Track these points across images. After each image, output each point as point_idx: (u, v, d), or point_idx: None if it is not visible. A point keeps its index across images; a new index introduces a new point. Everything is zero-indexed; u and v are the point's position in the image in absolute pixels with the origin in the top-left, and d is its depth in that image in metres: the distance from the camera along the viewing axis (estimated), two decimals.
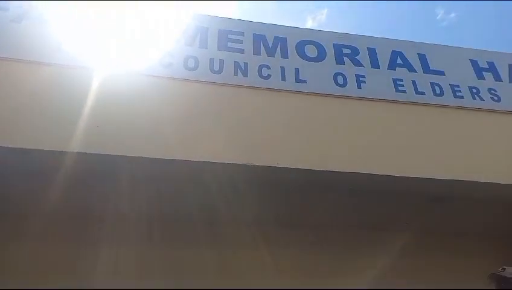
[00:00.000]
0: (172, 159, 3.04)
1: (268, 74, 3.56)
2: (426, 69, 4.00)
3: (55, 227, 3.34)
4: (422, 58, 4.03)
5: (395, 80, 3.86)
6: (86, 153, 2.89)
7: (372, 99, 3.72)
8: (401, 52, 4.03)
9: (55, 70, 3.21)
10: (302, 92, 3.56)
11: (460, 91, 3.91)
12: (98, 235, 3.44)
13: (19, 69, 3.16)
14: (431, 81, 3.91)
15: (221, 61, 3.52)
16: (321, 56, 3.81)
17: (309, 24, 12.26)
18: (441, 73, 4.01)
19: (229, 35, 3.70)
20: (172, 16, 3.78)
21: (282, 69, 3.61)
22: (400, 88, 3.83)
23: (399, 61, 4.00)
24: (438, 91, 3.87)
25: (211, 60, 3.51)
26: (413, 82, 3.89)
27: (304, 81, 3.62)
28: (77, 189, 3.21)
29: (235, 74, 3.50)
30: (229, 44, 3.66)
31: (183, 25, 3.66)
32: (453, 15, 12.14)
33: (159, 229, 3.48)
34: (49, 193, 3.07)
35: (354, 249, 3.95)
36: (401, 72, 3.93)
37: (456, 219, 4.05)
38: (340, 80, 3.73)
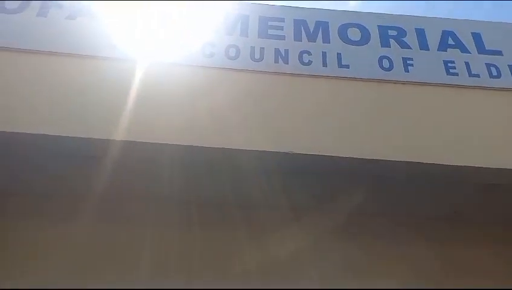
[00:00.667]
0: (214, 148, 3.11)
1: (309, 60, 3.50)
2: (481, 49, 3.73)
3: (104, 208, 3.55)
4: (477, 37, 3.76)
5: (446, 62, 3.65)
6: (131, 141, 3.03)
7: (420, 83, 3.55)
8: (452, 31, 3.78)
9: (104, 64, 3.37)
10: (345, 78, 3.48)
11: None
12: (140, 217, 3.62)
13: (73, 63, 3.36)
14: (486, 62, 3.65)
15: (262, 49, 3.51)
16: (365, 39, 3.67)
17: (352, 4, 11.68)
18: (498, 53, 3.73)
19: (270, 22, 3.67)
20: (212, 4, 3.82)
21: (324, 54, 3.53)
22: (451, 70, 3.61)
23: (450, 41, 3.76)
24: (494, 73, 3.61)
25: (252, 48, 3.52)
26: (467, 64, 3.66)
27: (347, 66, 3.53)
28: (123, 173, 3.37)
29: (276, 61, 3.47)
30: (270, 31, 3.63)
31: (223, 14, 3.70)
32: None
33: (196, 214, 3.59)
34: (99, 177, 3.28)
35: (402, 237, 3.82)
36: (452, 53, 3.71)
37: None
38: (385, 63, 3.58)
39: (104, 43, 3.48)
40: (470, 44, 3.76)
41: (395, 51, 3.64)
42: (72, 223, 3.52)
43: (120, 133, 3.07)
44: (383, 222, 3.82)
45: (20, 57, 3.35)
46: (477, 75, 3.58)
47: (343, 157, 3.17)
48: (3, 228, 3.54)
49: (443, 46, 3.73)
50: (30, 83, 3.23)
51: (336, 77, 3.47)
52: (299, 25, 3.68)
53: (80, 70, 3.35)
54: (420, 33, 3.76)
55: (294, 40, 3.60)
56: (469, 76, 3.59)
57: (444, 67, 3.62)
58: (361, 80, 3.47)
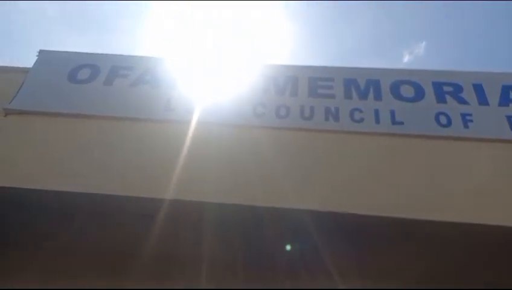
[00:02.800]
0: (274, 207, 3.04)
1: (361, 118, 3.46)
2: None
3: (149, 266, 3.51)
4: None
5: (509, 117, 3.45)
6: (178, 200, 3.07)
7: (482, 139, 3.36)
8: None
9: (159, 126, 3.55)
10: (400, 134, 3.37)
11: None
12: (179, 277, 3.52)
13: (130, 126, 3.57)
14: None
15: (312, 108, 3.54)
16: (419, 96, 3.60)
17: (406, 59, 11.70)
18: None
19: (319, 82, 3.73)
20: (262, 68, 3.97)
21: (376, 111, 3.48)
22: None
23: None
24: None
25: (301, 107, 3.56)
26: None
27: (401, 123, 3.43)
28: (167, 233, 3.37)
29: (326, 119, 3.47)
30: (319, 90, 3.68)
31: (274, 76, 3.81)
32: None
33: (239, 274, 3.43)
34: (148, 235, 3.29)
35: None
36: None
37: None
38: (443, 119, 3.45)
39: (161, 107, 3.69)
40: None
41: (452, 107, 3.51)
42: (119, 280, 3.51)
43: (171, 192, 3.13)
44: None
45: (84, 122, 3.63)
46: None
47: (400, 218, 2.98)
48: None
49: (504, 100, 3.55)
50: (90, 146, 3.45)
51: (391, 134, 3.38)
52: (349, 84, 3.70)
53: (138, 132, 3.55)
54: (478, 88, 3.62)
55: (344, 98, 3.60)
56: None
57: (507, 122, 3.42)
58: (419, 135, 3.34)
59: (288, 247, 3.36)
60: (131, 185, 3.19)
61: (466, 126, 3.42)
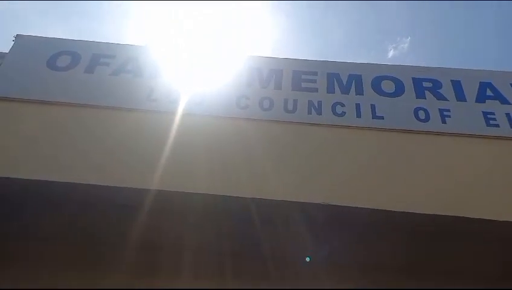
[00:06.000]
0: (251, 198, 3.07)
1: (342, 111, 3.52)
2: None
3: (133, 257, 3.51)
4: None
5: (485, 113, 3.56)
6: (164, 191, 3.07)
7: (459, 134, 3.46)
8: (490, 82, 3.73)
9: (141, 116, 3.52)
10: (379, 128, 3.45)
11: None
12: (167, 267, 3.52)
13: (112, 115, 3.52)
14: None
15: (295, 101, 3.58)
16: (399, 91, 3.68)
17: (390, 54, 11.91)
18: None
19: (303, 75, 3.77)
20: (247, 60, 3.97)
21: (358, 105, 3.54)
22: (491, 122, 3.52)
23: (489, 93, 3.70)
24: None
25: (285, 100, 3.59)
26: (508, 115, 3.56)
27: (381, 117, 3.51)
28: (155, 222, 3.37)
29: (309, 112, 3.52)
30: (303, 84, 3.71)
31: (258, 68, 3.82)
32: None
33: (227, 264, 3.47)
34: (132, 225, 3.28)
35: None
36: (492, 105, 3.63)
37: None
38: (421, 114, 3.54)
39: (144, 97, 3.65)
40: (511, 95, 3.67)
41: (431, 103, 3.60)
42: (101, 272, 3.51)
43: (155, 182, 3.13)
44: None
45: (64, 110, 3.56)
46: None
47: (379, 210, 3.07)
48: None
49: (481, 97, 3.66)
50: (70, 134, 3.40)
51: (371, 128, 3.45)
52: (332, 78, 3.74)
53: (120, 122, 3.51)
54: (456, 85, 3.72)
55: (327, 92, 3.65)
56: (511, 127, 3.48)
57: (483, 118, 3.53)
58: (398, 130, 3.42)
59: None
60: (112, 175, 3.17)
61: (444, 121, 3.52)
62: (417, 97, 3.64)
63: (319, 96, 3.60)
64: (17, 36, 4.10)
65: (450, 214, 3.04)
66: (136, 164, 3.22)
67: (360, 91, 3.65)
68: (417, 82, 3.72)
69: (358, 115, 3.49)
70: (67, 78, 3.76)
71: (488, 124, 3.51)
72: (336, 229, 3.27)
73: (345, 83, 3.71)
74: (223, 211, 3.21)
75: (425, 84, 3.72)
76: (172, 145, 3.28)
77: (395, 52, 11.67)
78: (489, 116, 3.55)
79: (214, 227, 3.30)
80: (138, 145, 3.32)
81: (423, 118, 3.52)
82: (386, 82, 3.73)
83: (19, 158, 3.23)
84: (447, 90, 3.69)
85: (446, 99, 3.64)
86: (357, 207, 3.08)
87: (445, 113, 3.56)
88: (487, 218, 3.03)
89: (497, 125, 3.51)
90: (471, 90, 3.69)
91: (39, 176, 3.13)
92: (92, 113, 3.55)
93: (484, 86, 3.72)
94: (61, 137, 3.39)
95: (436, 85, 3.73)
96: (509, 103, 3.64)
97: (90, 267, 3.51)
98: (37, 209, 3.36)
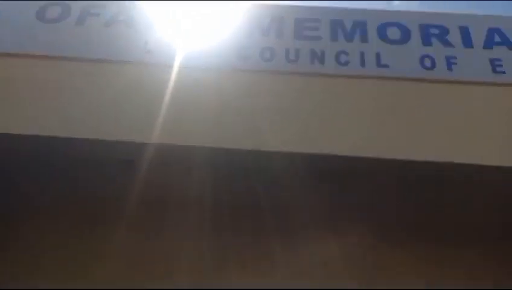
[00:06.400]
0: (248, 150, 3.05)
1: (346, 60, 3.40)
2: None
3: (133, 212, 3.50)
4: None
5: (492, 60, 3.46)
6: (164, 144, 3.02)
7: (465, 82, 3.38)
8: (499, 28, 3.60)
9: (139, 69, 3.39)
10: (384, 77, 3.34)
11: None
12: (172, 222, 3.56)
13: (108, 69, 3.39)
14: None
15: (297, 50, 3.44)
16: (405, 38, 3.54)
17: (396, 2, 11.44)
18: None
19: (306, 23, 3.61)
20: (247, 8, 3.79)
21: (362, 54, 3.42)
22: (498, 68, 3.42)
23: (497, 39, 3.58)
24: None
25: (287, 50, 3.45)
26: None
27: (387, 66, 3.40)
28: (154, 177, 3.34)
29: (312, 62, 3.39)
30: (305, 32, 3.56)
31: (258, 17, 3.65)
32: None
33: (226, 217, 3.48)
34: (132, 180, 3.25)
35: None
36: (499, 51, 3.52)
37: None
38: (427, 62, 3.43)
39: (138, 49, 3.50)
40: None
41: (437, 50, 3.48)
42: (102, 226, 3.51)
43: (154, 136, 3.06)
44: None
45: (56, 64, 3.42)
46: None
47: (380, 159, 3.05)
48: None
49: (489, 43, 3.54)
50: (64, 89, 3.29)
51: (375, 77, 3.34)
52: (336, 25, 3.59)
53: (114, 75, 3.38)
54: (464, 31, 3.59)
55: (330, 40, 3.50)
56: None
57: (490, 65, 3.44)
58: (403, 78, 3.33)
59: None
60: (108, 129, 3.10)
61: (450, 69, 3.42)
62: (424, 44, 3.51)
63: (322, 44, 3.46)
64: None
65: (455, 161, 3.02)
66: (133, 118, 3.14)
67: (364, 39, 3.51)
68: (424, 28, 3.58)
69: (362, 64, 3.38)
70: (58, 30, 3.58)
71: (495, 71, 3.42)
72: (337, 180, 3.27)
73: (348, 30, 3.55)
74: (225, 164, 3.18)
75: (432, 30, 3.58)
76: (170, 98, 3.19)
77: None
78: (496, 62, 3.46)
79: (217, 181, 3.27)
80: (133, 98, 3.22)
81: (429, 65, 3.42)
82: (392, 29, 3.58)
83: (7, 114, 3.13)
84: (454, 36, 3.56)
85: (453, 46, 3.52)
86: (359, 157, 3.05)
87: (451, 60, 3.45)
88: (490, 164, 3.03)
89: (503, 72, 3.42)
90: (479, 36, 3.56)
91: (30, 131, 3.06)
92: (85, 66, 3.40)
93: (493, 31, 3.60)
94: (53, 92, 3.26)
95: (443, 31, 3.59)
96: None
97: (91, 224, 3.53)
98: (30, 167, 3.32)
